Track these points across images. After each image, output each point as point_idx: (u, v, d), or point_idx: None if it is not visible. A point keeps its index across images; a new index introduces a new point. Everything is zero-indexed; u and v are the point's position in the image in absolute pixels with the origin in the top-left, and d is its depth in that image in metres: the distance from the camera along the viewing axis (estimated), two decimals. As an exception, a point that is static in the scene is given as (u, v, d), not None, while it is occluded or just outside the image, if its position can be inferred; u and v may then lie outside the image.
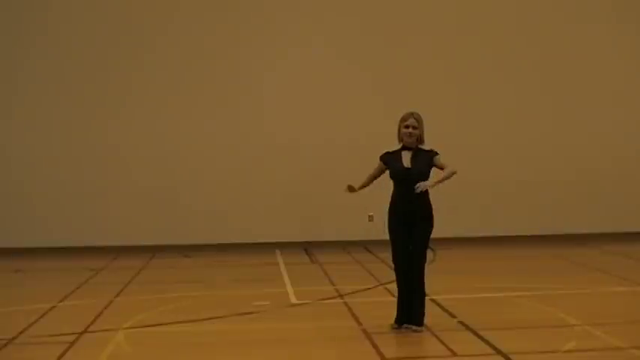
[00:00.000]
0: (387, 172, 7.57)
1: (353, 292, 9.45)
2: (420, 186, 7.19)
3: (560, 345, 6.83)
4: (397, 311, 7.54)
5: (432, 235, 7.50)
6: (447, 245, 13.02)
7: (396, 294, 7.58)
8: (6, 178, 13.91)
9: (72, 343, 7.24)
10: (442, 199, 12.83)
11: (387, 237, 7.56)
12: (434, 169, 7.44)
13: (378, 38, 14.30)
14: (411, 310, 7.43)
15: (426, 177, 7.38)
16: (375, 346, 6.95)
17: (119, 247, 13.77)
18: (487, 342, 6.95)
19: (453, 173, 7.32)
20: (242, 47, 14.19)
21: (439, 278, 10.24)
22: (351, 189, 7.65)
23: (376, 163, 7.65)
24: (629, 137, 14.62)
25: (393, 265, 7.57)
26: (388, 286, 9.38)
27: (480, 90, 14.44)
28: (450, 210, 13.61)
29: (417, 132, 7.43)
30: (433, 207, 7.45)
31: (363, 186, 7.67)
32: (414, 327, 7.39)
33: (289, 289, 9.94)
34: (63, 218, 13.91)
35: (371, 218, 13.48)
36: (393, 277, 7.60)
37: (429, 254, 7.84)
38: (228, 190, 14.12)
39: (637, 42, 14.79)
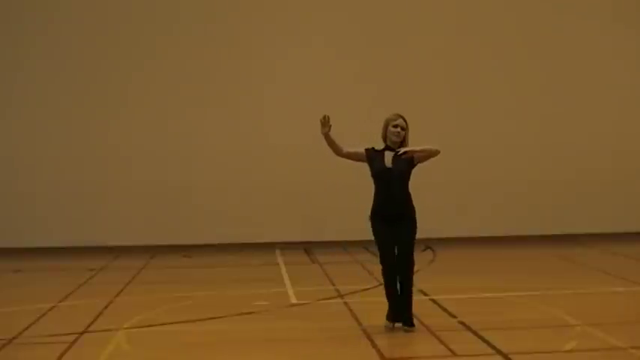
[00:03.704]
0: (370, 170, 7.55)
1: (353, 292, 9.44)
2: (406, 151, 7.28)
3: (560, 345, 6.82)
4: (391, 309, 7.51)
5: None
6: (447, 245, 12.97)
7: (385, 293, 7.54)
8: (6, 178, 13.90)
9: (72, 343, 7.24)
10: (442, 199, 12.89)
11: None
12: (415, 169, 7.46)
13: (379, 38, 14.28)
14: (404, 311, 7.42)
15: (406, 177, 7.42)
16: (375, 346, 6.95)
17: (119, 247, 13.76)
18: (487, 342, 6.94)
19: (437, 150, 7.36)
20: (242, 47, 14.18)
21: (439, 278, 10.25)
22: (326, 122, 7.46)
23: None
24: (628, 137, 14.60)
25: (381, 267, 7.51)
26: (388, 286, 9.37)
27: (480, 90, 14.43)
28: (451, 210, 13.65)
29: (404, 133, 7.48)
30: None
31: (334, 146, 7.51)
32: (408, 327, 7.40)
33: (289, 289, 9.94)
34: (63, 218, 13.90)
35: (371, 218, 13.46)
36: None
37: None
38: (228, 190, 14.11)
39: (637, 41, 14.78)
